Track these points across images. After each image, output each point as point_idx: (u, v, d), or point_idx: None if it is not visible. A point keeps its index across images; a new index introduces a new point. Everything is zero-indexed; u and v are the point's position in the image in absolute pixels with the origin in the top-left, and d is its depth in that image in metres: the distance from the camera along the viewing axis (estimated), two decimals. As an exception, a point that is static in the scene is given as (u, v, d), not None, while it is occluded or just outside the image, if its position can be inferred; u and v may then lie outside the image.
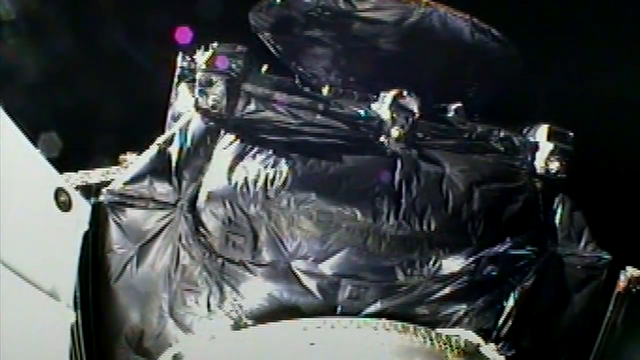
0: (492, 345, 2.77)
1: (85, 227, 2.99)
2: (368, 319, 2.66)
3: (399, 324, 2.65)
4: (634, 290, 3.41)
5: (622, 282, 3.27)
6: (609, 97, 4.05)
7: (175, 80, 3.33)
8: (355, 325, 2.59)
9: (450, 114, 3.44)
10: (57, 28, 4.06)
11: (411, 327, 2.64)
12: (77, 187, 3.02)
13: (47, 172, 2.78)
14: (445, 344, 2.60)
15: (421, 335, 2.60)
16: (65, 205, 2.76)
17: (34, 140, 2.80)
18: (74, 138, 3.71)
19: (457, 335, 2.72)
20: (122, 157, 3.40)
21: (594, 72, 4.11)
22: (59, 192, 2.73)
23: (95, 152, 3.73)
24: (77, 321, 3.11)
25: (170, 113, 3.33)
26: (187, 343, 2.82)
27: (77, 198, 2.90)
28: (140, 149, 3.33)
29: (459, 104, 3.47)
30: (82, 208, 2.95)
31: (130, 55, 4.19)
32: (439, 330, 2.72)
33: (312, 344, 2.50)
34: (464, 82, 3.55)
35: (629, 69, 3.99)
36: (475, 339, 2.76)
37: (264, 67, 3.20)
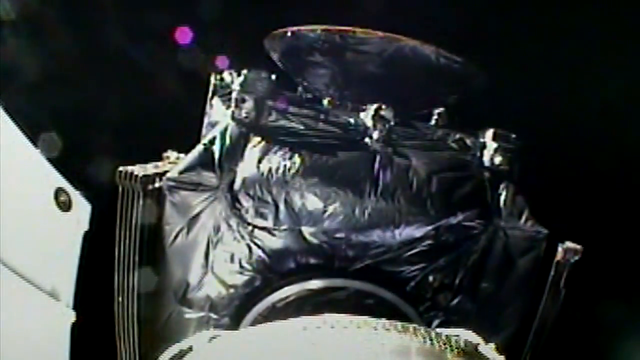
0: (491, 344, 2.75)
1: (86, 227, 2.93)
2: (368, 319, 2.56)
3: (399, 324, 2.54)
4: (571, 260, 3.69)
5: (560, 252, 3.69)
6: (556, 103, 4.44)
7: (210, 95, 3.82)
8: (355, 325, 2.48)
9: (435, 117, 3.86)
10: (57, 28, 4.00)
11: (411, 327, 2.54)
12: (142, 176, 3.26)
13: (47, 172, 2.68)
14: (444, 344, 2.50)
15: (421, 335, 2.50)
16: (65, 205, 2.72)
17: (34, 140, 2.72)
18: (74, 138, 3.62)
19: (457, 335, 2.63)
20: (164, 154, 3.87)
21: (549, 84, 4.47)
22: (59, 192, 2.69)
23: (95, 152, 3.82)
24: (134, 281, 3.35)
25: (206, 121, 3.82)
26: (188, 343, 2.80)
27: (77, 198, 2.83)
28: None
29: (441, 110, 3.89)
30: (82, 208, 2.88)
31: (130, 56, 4.17)
32: (438, 330, 2.72)
33: (312, 344, 2.42)
34: (439, 95, 4.00)
35: (577, 81, 4.35)
36: (475, 338, 2.73)
37: (273, 76, 3.59)
